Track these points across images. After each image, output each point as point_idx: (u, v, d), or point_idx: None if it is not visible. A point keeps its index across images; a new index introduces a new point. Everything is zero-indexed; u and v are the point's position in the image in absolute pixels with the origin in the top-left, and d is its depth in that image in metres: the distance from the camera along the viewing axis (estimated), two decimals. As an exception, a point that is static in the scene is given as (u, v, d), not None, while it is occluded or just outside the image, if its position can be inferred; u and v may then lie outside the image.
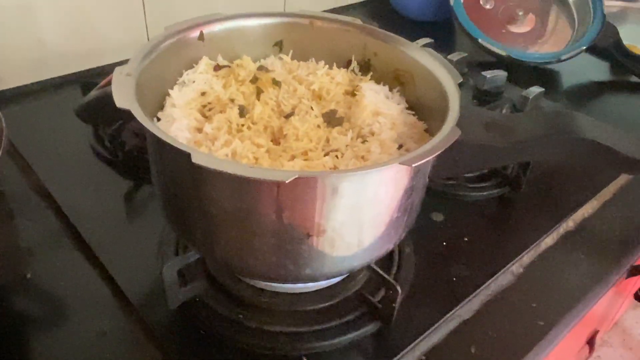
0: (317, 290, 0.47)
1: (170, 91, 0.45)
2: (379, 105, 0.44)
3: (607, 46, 0.92)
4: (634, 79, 0.93)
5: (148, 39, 0.78)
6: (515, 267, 0.54)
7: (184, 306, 0.45)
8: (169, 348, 0.43)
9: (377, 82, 0.49)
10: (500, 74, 0.77)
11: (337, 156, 0.40)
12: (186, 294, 0.44)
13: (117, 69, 0.39)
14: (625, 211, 0.63)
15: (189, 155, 0.31)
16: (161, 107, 0.44)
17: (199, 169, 0.31)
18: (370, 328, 0.45)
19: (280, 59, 0.51)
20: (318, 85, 0.47)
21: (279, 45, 0.52)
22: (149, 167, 0.58)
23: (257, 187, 0.33)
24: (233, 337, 0.43)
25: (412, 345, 0.45)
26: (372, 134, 0.42)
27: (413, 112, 0.46)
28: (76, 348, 0.43)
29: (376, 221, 0.37)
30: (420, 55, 0.46)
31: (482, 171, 0.62)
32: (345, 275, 0.48)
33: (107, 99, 0.42)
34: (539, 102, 0.74)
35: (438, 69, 0.44)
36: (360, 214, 0.36)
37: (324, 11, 0.95)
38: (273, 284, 0.45)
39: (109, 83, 0.40)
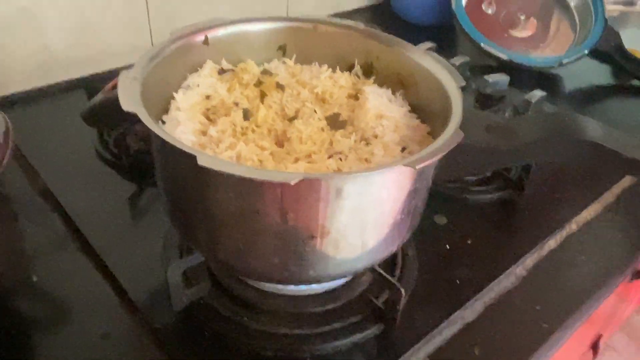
0: (320, 293, 0.47)
1: (175, 94, 0.45)
2: (382, 108, 0.44)
3: (608, 50, 0.92)
4: (635, 82, 0.93)
5: (152, 44, 0.78)
6: (519, 270, 0.54)
7: (188, 308, 0.45)
8: (173, 350, 0.43)
9: (380, 85, 0.49)
10: (503, 78, 0.77)
11: (340, 159, 0.40)
12: (190, 296, 0.44)
13: (123, 73, 0.39)
14: (628, 214, 0.63)
15: (194, 157, 0.32)
16: (166, 111, 0.45)
17: (205, 170, 0.32)
18: (373, 330, 0.45)
19: (284, 63, 0.51)
20: (321, 89, 0.48)
21: (283, 50, 0.52)
22: (153, 170, 0.58)
23: (262, 189, 0.33)
24: (237, 339, 0.44)
25: (415, 347, 0.45)
26: (376, 136, 0.42)
27: (416, 115, 0.46)
28: (81, 350, 0.43)
29: (380, 223, 0.37)
30: (423, 58, 0.47)
31: (485, 174, 0.62)
32: (349, 278, 0.48)
33: (113, 102, 0.42)
34: (541, 105, 0.75)
35: (441, 73, 0.45)
36: (364, 216, 0.36)
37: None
38: (277, 286, 0.46)
39: (115, 87, 0.40)
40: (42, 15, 0.72)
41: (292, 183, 0.31)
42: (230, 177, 0.32)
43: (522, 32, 0.98)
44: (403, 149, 0.42)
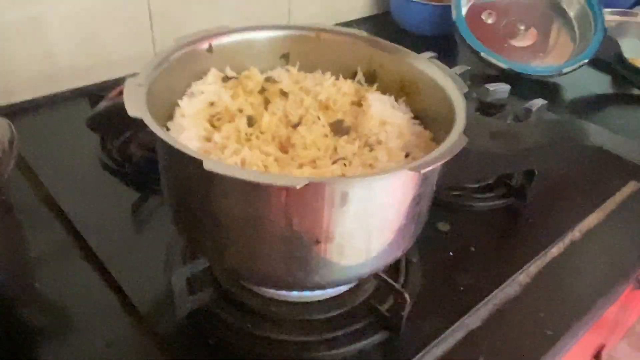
0: (324, 300, 0.47)
1: (179, 101, 0.45)
2: (386, 114, 0.44)
3: (608, 59, 0.93)
4: (635, 91, 0.94)
5: (155, 53, 0.79)
6: (522, 277, 0.54)
7: (191, 315, 0.45)
8: (177, 358, 0.43)
9: (383, 92, 0.49)
10: (504, 87, 0.78)
11: (345, 164, 0.40)
12: (194, 303, 0.44)
13: (129, 80, 0.40)
14: (631, 221, 0.63)
15: (200, 162, 0.32)
16: (170, 118, 0.45)
17: (210, 175, 0.32)
18: (378, 337, 0.45)
19: (287, 70, 0.52)
20: (325, 96, 0.48)
21: (286, 58, 0.52)
22: (157, 178, 0.58)
23: (267, 193, 0.34)
24: (241, 346, 0.43)
25: (420, 354, 0.45)
26: (379, 142, 0.42)
27: (419, 122, 0.46)
28: (84, 358, 0.43)
29: (385, 228, 0.38)
30: (426, 66, 0.47)
31: (488, 181, 0.63)
32: (353, 285, 0.48)
33: (118, 109, 0.42)
34: (542, 114, 0.75)
35: (444, 80, 0.45)
36: (368, 221, 0.36)
37: (328, 26, 0.96)
38: (281, 293, 0.45)
39: (120, 94, 0.41)
40: (48, 24, 0.72)
41: (298, 187, 0.31)
42: (236, 181, 0.32)
43: (522, 42, 0.98)
44: (407, 155, 0.42)
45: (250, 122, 0.44)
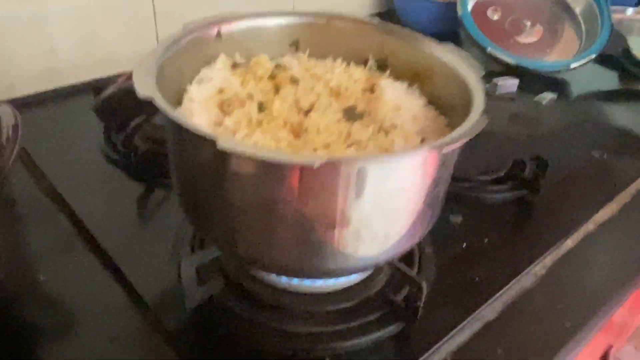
0: (337, 291, 0.45)
1: (188, 87, 0.44)
2: (400, 99, 0.43)
3: (615, 54, 0.92)
4: (643, 87, 0.93)
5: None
6: (538, 269, 0.52)
7: (200, 307, 0.43)
8: (186, 350, 0.42)
9: (395, 79, 0.48)
10: (513, 80, 0.77)
11: (360, 149, 0.39)
12: (204, 294, 0.43)
13: (137, 63, 0.39)
14: (645, 214, 0.62)
15: (214, 141, 0.31)
16: (179, 104, 0.44)
17: (224, 155, 0.31)
18: (393, 329, 0.44)
19: (297, 58, 0.51)
20: (336, 83, 0.47)
21: (296, 45, 0.51)
22: (162, 171, 0.57)
23: (283, 174, 0.32)
24: (252, 338, 0.42)
25: (436, 346, 0.43)
26: (395, 127, 0.41)
27: (433, 108, 0.45)
28: (91, 351, 0.41)
29: (403, 212, 0.36)
30: (440, 51, 0.46)
31: (499, 174, 0.61)
32: (366, 276, 0.47)
33: (127, 93, 0.41)
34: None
35: (459, 64, 0.44)
36: (386, 204, 0.35)
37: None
38: (293, 283, 0.44)
39: (129, 78, 0.40)
40: (50, 19, 0.71)
41: (316, 165, 0.30)
42: (250, 161, 0.31)
43: (528, 38, 0.98)
44: (422, 141, 0.41)
45: (261, 108, 0.43)
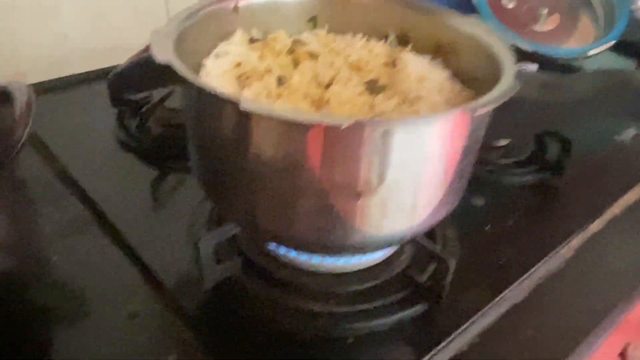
0: (358, 271, 0.44)
1: (205, 61, 0.43)
2: (424, 71, 0.42)
3: (634, 41, 0.90)
4: (663, 74, 0.91)
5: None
6: (565, 251, 0.51)
7: (218, 287, 0.42)
8: (204, 330, 0.40)
9: (417, 54, 0.47)
10: (531, 66, 0.75)
11: (384, 119, 0.38)
12: (221, 273, 0.42)
13: (154, 31, 0.37)
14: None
15: (236, 103, 0.29)
16: (196, 78, 0.43)
17: (246, 119, 0.29)
18: (417, 309, 0.42)
19: (316, 34, 0.49)
20: (356, 57, 0.46)
21: (314, 21, 0.50)
22: (176, 154, 0.56)
23: (307, 137, 0.31)
24: (272, 318, 0.41)
25: (463, 326, 0.42)
26: (420, 98, 0.40)
27: (459, 81, 0.44)
28: (106, 331, 0.40)
29: (431, 181, 0.35)
30: (464, 23, 0.45)
31: (521, 157, 0.60)
32: (388, 256, 0.45)
33: (143, 64, 0.40)
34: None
35: (486, 36, 0.42)
36: (415, 172, 0.33)
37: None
38: (313, 263, 0.43)
39: (145, 50, 0.38)
40: (61, 6, 0.71)
41: (344, 126, 0.28)
42: (274, 122, 0.29)
43: (544, 27, 0.96)
44: (449, 112, 0.40)
45: (280, 81, 0.42)
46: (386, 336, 0.41)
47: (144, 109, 0.60)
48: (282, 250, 0.43)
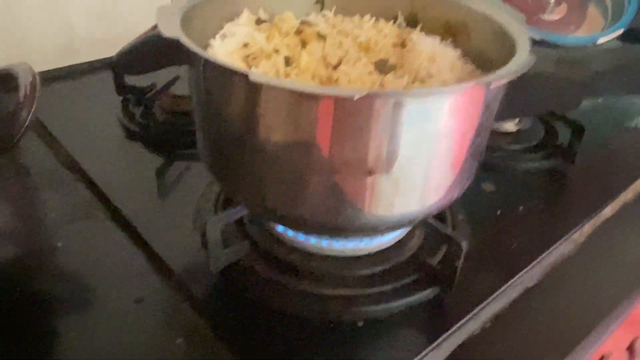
0: (368, 255, 0.43)
1: (211, 41, 0.42)
2: (435, 50, 0.41)
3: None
4: (673, 63, 0.90)
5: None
6: (577, 236, 0.50)
7: (225, 271, 0.41)
8: (213, 314, 0.40)
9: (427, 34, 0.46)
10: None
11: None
12: (229, 257, 0.41)
13: (160, 8, 0.37)
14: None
15: (245, 75, 0.29)
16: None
17: (256, 91, 0.29)
18: (428, 293, 0.41)
19: (323, 16, 0.49)
20: (365, 38, 0.45)
21: (321, 3, 0.49)
22: (181, 142, 0.56)
23: (318, 109, 0.30)
24: (280, 301, 0.40)
25: (475, 310, 0.41)
26: (431, 76, 0.39)
27: (470, 61, 0.43)
28: (113, 317, 0.39)
29: (444, 158, 0.34)
30: (474, 2, 0.44)
31: (531, 143, 0.59)
32: (398, 239, 0.44)
33: (148, 42, 0.40)
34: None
35: (497, 13, 0.42)
36: (428, 148, 0.33)
37: None
38: (321, 246, 0.42)
39: (151, 30, 0.38)
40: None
41: (356, 97, 0.27)
42: (283, 95, 0.28)
43: (552, 16, 0.95)
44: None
45: (288, 62, 0.41)
46: (397, 320, 0.40)
47: (148, 96, 0.60)
48: (291, 234, 0.42)
